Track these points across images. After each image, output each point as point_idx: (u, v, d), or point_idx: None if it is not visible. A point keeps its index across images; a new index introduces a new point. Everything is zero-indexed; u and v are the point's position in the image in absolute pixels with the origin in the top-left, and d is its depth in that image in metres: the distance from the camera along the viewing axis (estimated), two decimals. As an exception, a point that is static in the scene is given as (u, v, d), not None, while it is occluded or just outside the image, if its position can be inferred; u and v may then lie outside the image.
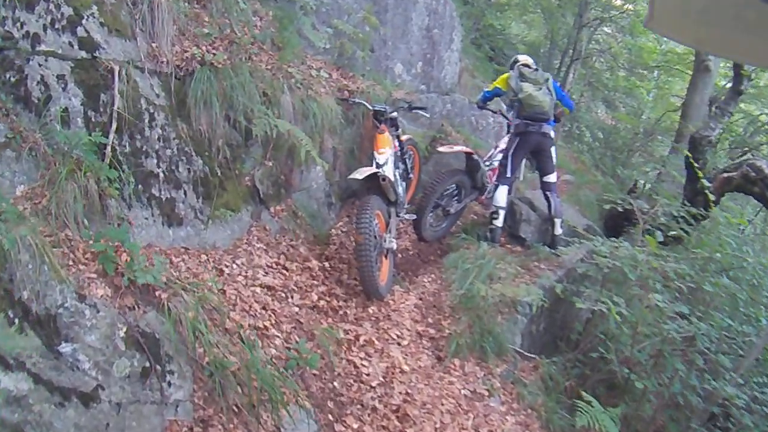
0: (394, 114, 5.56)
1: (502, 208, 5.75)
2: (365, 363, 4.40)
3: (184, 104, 4.23)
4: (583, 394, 4.42)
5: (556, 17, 12.76)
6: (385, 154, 5.26)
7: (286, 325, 4.14)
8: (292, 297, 4.40)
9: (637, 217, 6.21)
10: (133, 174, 3.78)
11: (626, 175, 12.32)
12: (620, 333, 5.25)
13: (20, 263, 2.82)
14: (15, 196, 3.20)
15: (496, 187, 5.77)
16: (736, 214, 6.56)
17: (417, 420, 4.07)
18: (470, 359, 4.84)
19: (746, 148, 11.01)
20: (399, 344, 4.70)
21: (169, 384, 3.20)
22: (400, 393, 4.28)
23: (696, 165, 6.84)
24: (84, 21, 3.75)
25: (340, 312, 4.69)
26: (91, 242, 3.24)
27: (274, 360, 3.78)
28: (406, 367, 4.49)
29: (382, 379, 4.32)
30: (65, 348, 2.89)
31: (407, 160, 5.89)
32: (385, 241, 4.99)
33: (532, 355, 5.15)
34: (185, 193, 4.15)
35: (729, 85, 9.25)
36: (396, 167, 5.47)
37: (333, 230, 5.52)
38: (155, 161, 3.96)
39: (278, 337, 3.97)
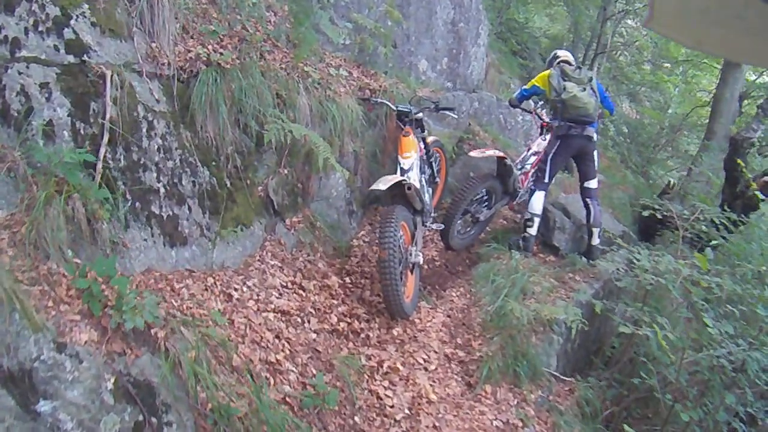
0: (420, 115, 4.94)
1: (537, 215, 5.11)
2: (389, 393, 3.83)
3: (187, 110, 3.66)
4: (625, 428, 3.82)
5: (580, 10, 11.89)
6: (411, 158, 4.65)
7: (302, 355, 3.57)
8: (308, 321, 3.83)
9: (672, 221, 5.60)
10: (129, 191, 3.23)
11: (654, 171, 11.54)
12: (661, 354, 4.62)
13: (-16, 311, 2.29)
14: (-11, 225, 2.67)
15: (532, 192, 5.12)
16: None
17: (447, 461, 3.51)
18: (502, 385, 4.24)
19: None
20: (426, 369, 4.12)
21: (166, 439, 2.66)
22: (428, 427, 3.71)
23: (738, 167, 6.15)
24: (73, 21, 3.19)
25: (362, 335, 4.11)
26: (74, 278, 2.69)
27: (287, 399, 3.22)
28: (433, 396, 3.91)
29: (407, 411, 3.75)
30: (43, 407, 2.37)
31: (433, 163, 5.26)
32: (410, 254, 4.40)
33: (568, 378, 4.55)
34: (189, 209, 3.59)
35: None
36: (422, 172, 4.86)
37: (354, 241, 4.93)
38: (155, 175, 3.40)
39: (293, 371, 3.40)
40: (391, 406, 3.74)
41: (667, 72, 12.93)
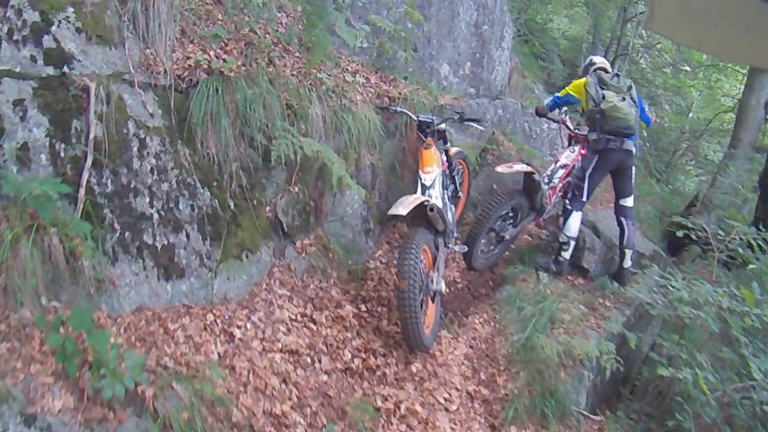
0: (443, 126, 4.42)
1: (573, 238, 4.60)
2: (407, 440, 3.35)
3: (186, 124, 3.18)
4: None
5: (601, 10, 11.24)
6: (432, 173, 4.14)
7: (312, 402, 3.09)
8: (319, 361, 3.36)
9: (699, 236, 5.18)
10: (117, 219, 2.76)
11: (675, 177, 10.93)
12: (697, 392, 4.12)
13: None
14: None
15: (568, 212, 4.59)
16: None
17: None
18: (528, 426, 3.77)
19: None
20: (447, 410, 3.64)
21: None
22: (450, 478, 3.23)
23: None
24: (54, 28, 2.72)
25: (378, 372, 3.62)
26: (47, 332, 2.23)
27: (294, 459, 2.76)
28: (455, 442, 3.43)
29: (427, 461, 3.27)
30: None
31: (456, 177, 4.75)
32: (432, 281, 3.90)
33: (597, 417, 4.07)
34: (187, 236, 3.11)
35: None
36: (444, 188, 4.35)
37: (370, 262, 4.44)
38: (147, 200, 2.93)
39: (301, 423, 2.92)
40: (410, 456, 3.27)
41: (689, 75, 12.25)
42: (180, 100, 3.19)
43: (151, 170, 2.94)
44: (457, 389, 3.84)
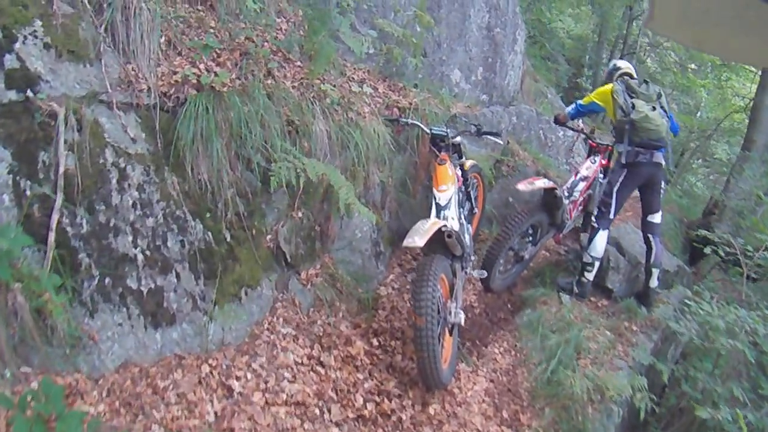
0: (458, 139, 3.99)
1: (598, 259, 4.17)
2: (428, 497, 2.95)
3: (174, 147, 2.75)
4: None
5: (607, 9, 10.77)
6: (448, 191, 3.72)
7: (321, 462, 2.68)
8: (329, 411, 2.94)
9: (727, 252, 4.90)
10: (95, 264, 2.34)
11: (684, 178, 10.51)
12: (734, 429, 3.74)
13: None
14: None
15: (595, 231, 4.15)
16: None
17: None
18: (556, 468, 3.36)
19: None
20: (469, 457, 3.23)
21: None
22: None
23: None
24: (18, 45, 2.30)
25: (393, 417, 3.20)
26: (12, 413, 1.81)
27: None
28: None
29: None
30: None
31: (471, 192, 4.32)
32: (450, 313, 3.48)
33: (625, 459, 3.68)
34: (177, 277, 2.69)
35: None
36: (460, 206, 3.93)
37: (381, 288, 4.02)
38: (130, 239, 2.50)
39: (309, 492, 2.51)
40: None
41: (698, 74, 11.81)
42: (166, 120, 2.76)
43: (134, 204, 2.51)
44: (479, 430, 3.43)
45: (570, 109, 4.52)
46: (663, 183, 4.23)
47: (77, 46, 2.47)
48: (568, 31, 11.72)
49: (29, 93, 2.24)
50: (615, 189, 4.08)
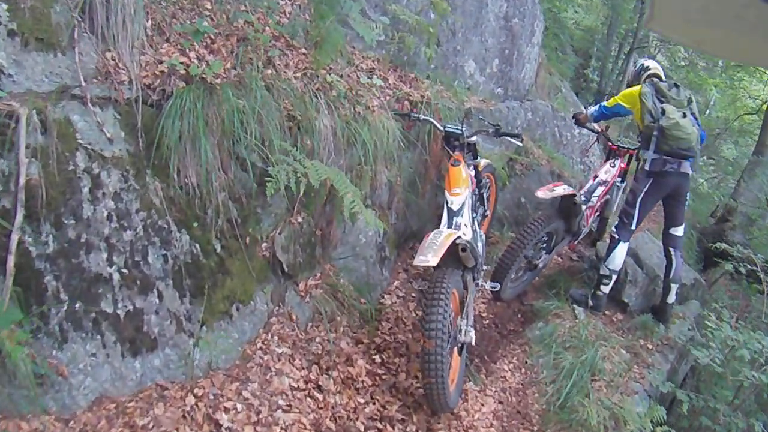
0: (473, 138, 3.61)
1: (616, 272, 3.83)
2: None
3: (157, 148, 2.36)
4: None
5: (619, 2, 10.20)
6: (461, 195, 3.36)
7: (318, 506, 2.36)
8: (327, 443, 2.61)
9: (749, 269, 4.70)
10: (63, 287, 1.98)
11: (694, 179, 10.13)
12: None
13: None
14: None
15: (615, 243, 3.79)
16: None
17: None
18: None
19: None
20: (477, 489, 2.92)
21: None
22: None
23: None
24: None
25: (397, 445, 2.89)
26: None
27: None
28: None
29: None
30: None
31: (484, 194, 3.96)
32: (460, 332, 3.15)
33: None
34: (160, 296, 2.33)
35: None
36: (473, 211, 3.57)
37: (386, 296, 3.68)
38: (104, 256, 2.13)
39: None
40: None
41: (707, 71, 11.33)
42: (149, 117, 2.36)
43: (108, 216, 2.14)
44: (488, 459, 3.13)
45: (593, 110, 4.11)
46: (688, 194, 3.86)
47: (47, 33, 2.07)
48: (578, 21, 11.16)
49: (-15, 88, 1.84)
50: (639, 199, 3.70)
